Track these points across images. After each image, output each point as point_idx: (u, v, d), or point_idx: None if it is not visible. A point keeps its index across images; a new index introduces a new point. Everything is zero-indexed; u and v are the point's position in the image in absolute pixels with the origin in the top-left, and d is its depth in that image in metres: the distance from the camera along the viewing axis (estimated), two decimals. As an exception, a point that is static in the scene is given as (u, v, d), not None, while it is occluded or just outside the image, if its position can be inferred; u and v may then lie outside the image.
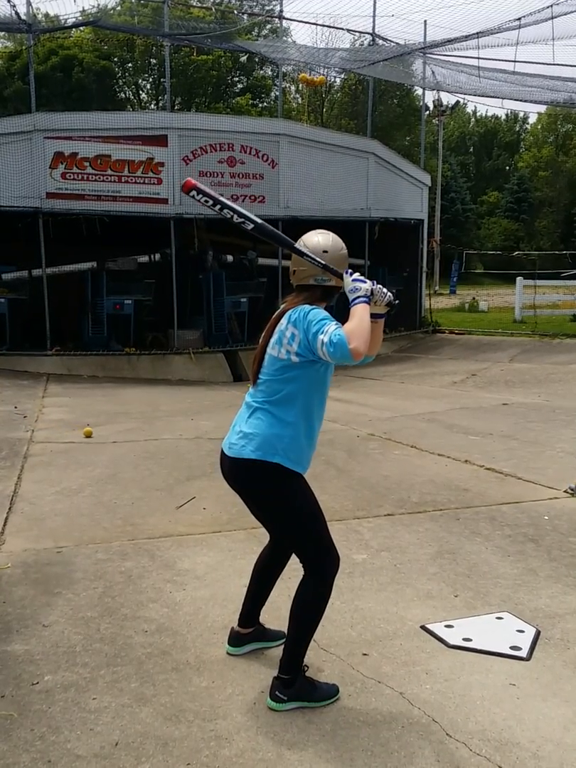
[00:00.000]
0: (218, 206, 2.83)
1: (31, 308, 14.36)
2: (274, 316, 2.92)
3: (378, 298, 2.81)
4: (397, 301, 2.86)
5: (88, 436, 7.67)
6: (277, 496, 2.87)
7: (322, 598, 2.88)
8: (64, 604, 3.74)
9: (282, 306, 2.92)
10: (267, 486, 2.86)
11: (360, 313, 2.68)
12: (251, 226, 2.85)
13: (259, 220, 2.86)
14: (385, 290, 2.84)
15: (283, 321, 2.83)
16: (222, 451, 2.99)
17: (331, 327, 2.64)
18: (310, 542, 2.89)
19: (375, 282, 2.82)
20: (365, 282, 2.76)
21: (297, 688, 2.83)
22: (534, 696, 2.92)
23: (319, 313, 2.75)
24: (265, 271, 16.08)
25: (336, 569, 2.91)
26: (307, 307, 2.79)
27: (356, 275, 2.79)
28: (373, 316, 2.81)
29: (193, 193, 2.79)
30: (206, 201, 2.82)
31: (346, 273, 2.80)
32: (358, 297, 2.73)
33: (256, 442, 2.82)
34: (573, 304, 21.39)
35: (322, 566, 2.88)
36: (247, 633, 3.25)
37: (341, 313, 2.77)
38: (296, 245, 2.92)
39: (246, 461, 2.83)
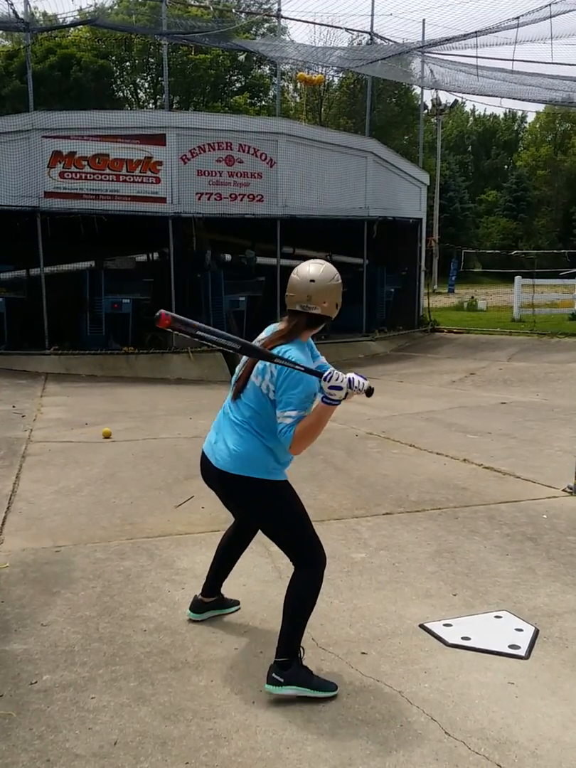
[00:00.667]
0: (198, 335, 2.75)
1: (29, 307, 14.34)
2: (266, 340, 2.95)
3: (355, 393, 2.83)
4: (372, 389, 2.85)
5: (107, 436, 7.64)
6: (265, 509, 3.00)
7: (315, 589, 2.95)
8: (63, 604, 3.74)
9: (275, 331, 2.97)
10: (255, 499, 2.98)
11: (321, 416, 2.79)
12: (238, 346, 2.80)
13: (242, 341, 2.82)
14: (363, 383, 2.79)
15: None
16: (203, 455, 3.12)
17: (291, 416, 2.76)
18: (297, 544, 2.98)
19: (353, 379, 2.77)
20: (341, 388, 2.74)
21: (294, 671, 2.86)
22: (533, 694, 2.92)
23: (295, 381, 2.77)
24: (263, 270, 16.08)
25: (325, 562, 2.97)
26: (292, 354, 2.81)
27: (334, 380, 2.74)
28: None
29: (169, 329, 2.71)
30: (186, 335, 2.75)
31: (324, 379, 2.75)
32: (331, 400, 2.77)
33: (242, 460, 2.92)
34: (571, 302, 21.39)
35: (312, 563, 2.95)
36: (210, 602, 3.54)
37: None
38: (289, 284, 2.96)
39: (234, 477, 2.94)
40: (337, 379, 2.74)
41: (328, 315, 2.95)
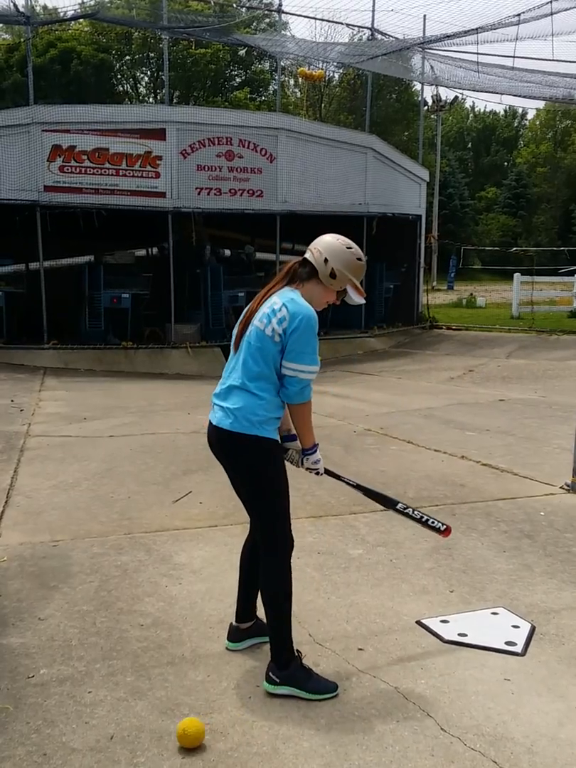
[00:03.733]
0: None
1: (28, 301, 14.33)
2: (268, 286, 2.96)
3: (308, 465, 3.02)
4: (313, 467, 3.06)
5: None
6: (256, 467, 2.91)
7: (284, 577, 2.93)
8: (60, 598, 3.74)
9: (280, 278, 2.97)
10: (248, 456, 2.90)
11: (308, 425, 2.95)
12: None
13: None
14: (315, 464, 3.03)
15: (277, 299, 2.86)
16: (209, 424, 3.05)
17: (313, 372, 2.82)
18: (276, 518, 2.93)
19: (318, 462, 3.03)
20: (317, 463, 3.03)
21: (291, 671, 2.85)
22: (529, 691, 2.93)
23: (312, 332, 2.82)
24: (263, 265, 16.06)
25: (292, 548, 2.97)
26: (310, 312, 2.82)
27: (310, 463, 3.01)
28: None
29: None
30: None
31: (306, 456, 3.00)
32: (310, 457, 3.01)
33: (237, 416, 2.86)
34: (570, 300, 21.39)
35: (280, 544, 2.93)
36: (246, 628, 3.25)
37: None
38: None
39: (229, 433, 2.87)
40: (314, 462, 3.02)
41: (316, 266, 2.91)
